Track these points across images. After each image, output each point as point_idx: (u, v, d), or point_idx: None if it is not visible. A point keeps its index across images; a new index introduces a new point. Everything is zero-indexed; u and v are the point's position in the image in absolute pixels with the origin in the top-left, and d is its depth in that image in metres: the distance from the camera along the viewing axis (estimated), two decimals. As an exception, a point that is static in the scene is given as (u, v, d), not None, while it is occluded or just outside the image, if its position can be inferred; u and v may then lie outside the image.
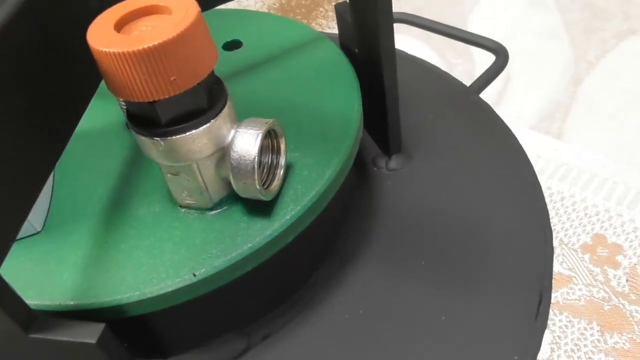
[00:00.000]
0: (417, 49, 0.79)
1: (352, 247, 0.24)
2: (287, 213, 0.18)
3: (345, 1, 0.26)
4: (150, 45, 0.14)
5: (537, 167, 0.61)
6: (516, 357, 0.20)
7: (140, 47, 0.14)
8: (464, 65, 0.80)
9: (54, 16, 0.16)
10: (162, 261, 0.18)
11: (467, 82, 0.32)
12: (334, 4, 0.25)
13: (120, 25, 0.15)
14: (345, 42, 0.26)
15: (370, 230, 0.24)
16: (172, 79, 0.15)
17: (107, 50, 0.14)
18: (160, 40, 0.14)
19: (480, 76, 0.33)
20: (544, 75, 0.73)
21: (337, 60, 0.24)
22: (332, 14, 0.88)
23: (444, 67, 0.33)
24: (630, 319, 0.47)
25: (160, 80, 0.15)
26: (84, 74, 0.17)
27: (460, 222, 0.24)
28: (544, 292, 0.22)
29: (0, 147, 0.13)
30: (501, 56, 0.34)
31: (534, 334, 0.21)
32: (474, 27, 0.84)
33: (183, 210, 0.19)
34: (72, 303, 0.17)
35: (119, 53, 0.14)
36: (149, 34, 0.15)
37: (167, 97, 0.15)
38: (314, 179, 0.19)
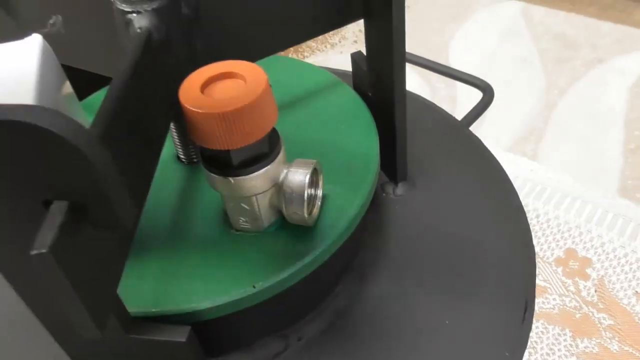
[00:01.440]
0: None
1: (368, 262, 0.28)
2: (327, 236, 0.22)
3: (360, 51, 0.31)
4: (233, 108, 0.18)
5: (514, 186, 0.66)
6: (507, 354, 0.24)
7: (226, 110, 0.18)
8: (447, 89, 0.86)
9: (153, 73, 0.20)
10: (226, 275, 0.21)
11: (450, 105, 0.36)
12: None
13: (204, 87, 0.19)
14: (358, 85, 0.31)
15: (382, 248, 0.29)
16: (246, 133, 0.19)
17: (197, 110, 0.18)
18: (241, 105, 0.18)
19: (470, 112, 0.38)
20: (519, 101, 0.79)
21: (354, 102, 0.29)
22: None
23: (428, 91, 0.37)
24: (599, 325, 0.52)
25: (237, 134, 0.19)
26: (164, 112, 0.21)
27: (457, 241, 0.29)
28: (529, 301, 0.26)
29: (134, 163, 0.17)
30: (487, 93, 0.38)
31: (521, 336, 0.25)
32: (454, 55, 0.90)
33: (237, 232, 0.23)
34: (153, 310, 0.21)
35: (207, 113, 0.18)
36: (230, 98, 0.19)
37: (240, 146, 0.19)
38: (345, 206, 0.23)
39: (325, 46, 1.08)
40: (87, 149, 0.13)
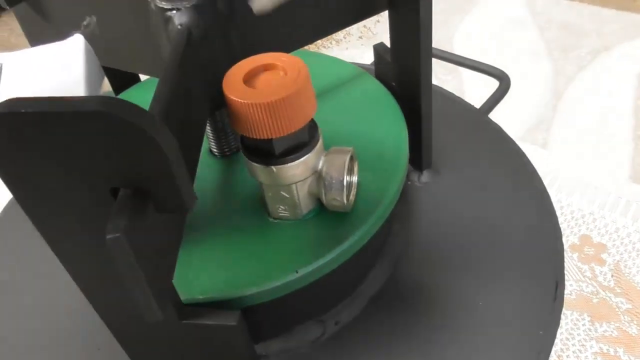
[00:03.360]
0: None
1: (399, 248, 0.28)
2: (364, 221, 0.23)
3: (382, 42, 0.31)
4: (278, 98, 0.19)
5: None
6: (541, 332, 0.25)
7: (270, 100, 0.19)
8: (453, 82, 0.87)
9: (195, 68, 0.20)
10: (269, 262, 0.22)
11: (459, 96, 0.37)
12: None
13: (246, 80, 0.20)
14: (381, 76, 0.31)
15: (411, 234, 0.29)
16: (289, 121, 0.20)
17: (244, 101, 0.19)
18: (285, 95, 0.19)
19: (487, 100, 0.39)
20: (527, 91, 0.79)
21: (381, 93, 0.29)
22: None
23: (435, 83, 0.38)
24: (617, 309, 0.53)
25: (281, 123, 0.20)
26: (206, 105, 0.22)
27: (484, 225, 0.29)
28: (559, 280, 0.27)
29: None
30: (504, 82, 0.39)
31: (554, 313, 0.26)
32: (459, 47, 0.91)
33: (275, 221, 0.24)
34: (200, 298, 0.21)
35: (253, 104, 0.19)
36: (274, 89, 0.19)
37: (282, 135, 0.20)
38: (380, 192, 0.24)
39: (330, 43, 1.09)
40: (157, 134, 0.14)
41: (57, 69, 0.21)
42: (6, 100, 0.14)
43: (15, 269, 0.30)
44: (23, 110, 0.14)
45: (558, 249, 0.28)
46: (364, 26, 1.09)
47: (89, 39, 0.24)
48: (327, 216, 0.24)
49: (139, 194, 0.15)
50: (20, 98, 0.14)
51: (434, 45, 0.27)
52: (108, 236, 0.14)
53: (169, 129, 0.17)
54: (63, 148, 0.14)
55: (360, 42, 1.07)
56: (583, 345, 0.50)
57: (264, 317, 0.24)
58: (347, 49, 1.06)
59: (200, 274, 0.22)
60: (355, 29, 1.09)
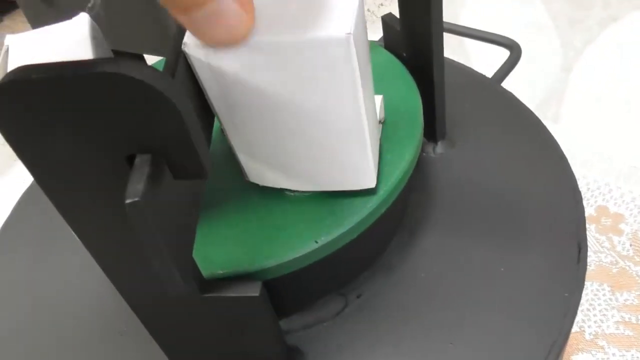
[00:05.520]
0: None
1: (416, 219, 0.28)
2: (383, 189, 0.23)
3: (391, 12, 0.31)
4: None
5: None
6: (566, 294, 0.25)
7: None
8: (454, 55, 0.85)
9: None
10: (288, 234, 0.22)
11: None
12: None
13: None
14: (390, 47, 0.31)
15: (428, 204, 0.29)
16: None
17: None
18: None
19: (498, 70, 0.38)
20: (536, 65, 0.78)
21: (392, 62, 0.29)
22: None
23: None
24: (637, 278, 0.52)
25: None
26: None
27: (503, 192, 0.29)
28: (582, 242, 0.26)
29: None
30: (515, 51, 0.38)
31: (578, 276, 0.25)
32: (465, 22, 0.90)
33: (293, 194, 0.23)
34: (220, 272, 0.21)
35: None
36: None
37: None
38: (397, 160, 0.24)
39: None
40: (173, 96, 0.13)
41: (65, 49, 0.21)
42: (15, 69, 0.14)
43: (31, 260, 0.30)
44: (34, 77, 0.13)
45: (579, 212, 0.28)
46: (368, 10, 1.08)
47: (94, 20, 0.23)
48: (344, 186, 0.23)
49: (156, 160, 0.15)
50: (29, 65, 0.14)
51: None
52: (127, 201, 0.14)
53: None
54: (77, 114, 0.14)
55: (363, 26, 1.06)
56: (604, 315, 0.49)
57: (285, 293, 0.24)
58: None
59: (218, 249, 0.22)
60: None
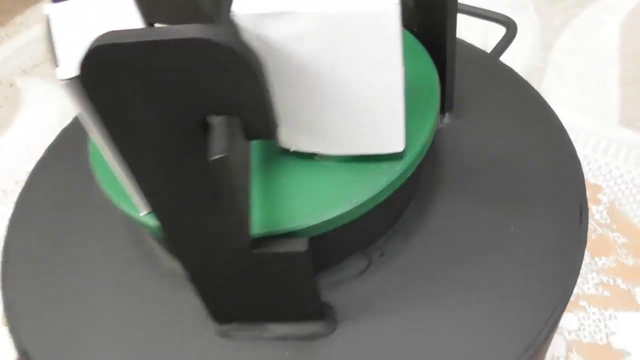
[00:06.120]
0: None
1: (431, 185, 0.30)
2: (408, 154, 0.24)
3: (403, -12, 0.32)
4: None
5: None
6: (572, 250, 0.27)
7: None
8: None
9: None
10: (323, 196, 0.23)
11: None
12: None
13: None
14: (403, 23, 0.32)
15: (440, 172, 0.31)
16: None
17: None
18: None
19: (496, 46, 0.40)
20: (517, 44, 0.81)
21: (407, 37, 0.30)
22: None
23: None
24: (614, 244, 0.56)
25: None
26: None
27: (509, 159, 0.31)
28: (583, 204, 0.29)
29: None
30: (511, 28, 0.40)
31: (581, 235, 0.28)
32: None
33: (323, 160, 0.25)
34: (262, 232, 0.23)
35: None
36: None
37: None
38: (419, 127, 0.25)
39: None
40: (250, 57, 0.15)
41: (112, 17, 0.21)
42: (100, 35, 0.15)
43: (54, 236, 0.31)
44: (121, 42, 0.14)
45: (579, 177, 0.30)
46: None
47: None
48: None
49: (232, 121, 0.16)
50: (114, 30, 0.15)
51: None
52: (214, 157, 0.15)
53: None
54: (160, 78, 0.15)
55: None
56: (585, 277, 0.53)
57: (317, 252, 0.25)
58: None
59: (257, 211, 0.23)
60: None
